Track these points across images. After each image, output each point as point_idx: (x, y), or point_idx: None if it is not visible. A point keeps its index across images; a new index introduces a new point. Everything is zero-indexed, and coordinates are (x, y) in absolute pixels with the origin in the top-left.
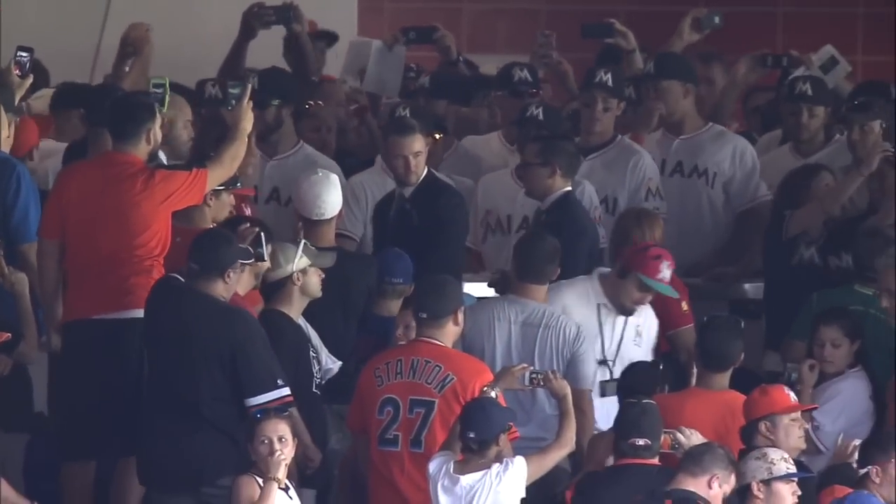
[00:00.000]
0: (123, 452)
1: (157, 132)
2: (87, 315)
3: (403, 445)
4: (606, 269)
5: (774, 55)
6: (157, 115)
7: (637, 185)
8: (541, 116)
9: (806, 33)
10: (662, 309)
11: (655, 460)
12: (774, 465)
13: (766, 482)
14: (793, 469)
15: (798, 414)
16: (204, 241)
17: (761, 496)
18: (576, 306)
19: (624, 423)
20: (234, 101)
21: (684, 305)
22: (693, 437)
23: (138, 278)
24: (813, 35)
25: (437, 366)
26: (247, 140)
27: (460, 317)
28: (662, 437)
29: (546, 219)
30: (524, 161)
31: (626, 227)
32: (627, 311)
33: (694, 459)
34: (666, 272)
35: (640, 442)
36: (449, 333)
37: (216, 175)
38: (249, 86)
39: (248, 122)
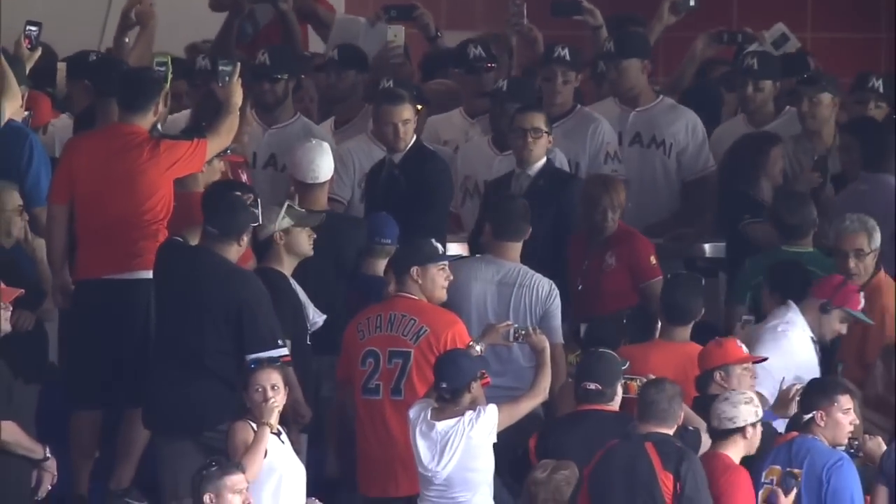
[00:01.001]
0: (129, 403)
1: (160, 105)
2: (97, 275)
3: (385, 394)
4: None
5: (730, 32)
6: (161, 85)
7: (597, 149)
8: (504, 88)
9: (759, 12)
10: (633, 263)
11: (612, 406)
12: (759, 408)
13: (754, 424)
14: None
15: (749, 364)
16: (222, 207)
17: (750, 436)
18: (803, 338)
19: (580, 369)
20: (226, 78)
21: (653, 259)
22: None
23: (146, 242)
24: (766, 14)
25: (413, 319)
26: (238, 112)
27: (415, 272)
28: (629, 383)
29: (542, 184)
30: (532, 128)
31: (594, 193)
32: (826, 344)
33: (664, 410)
34: (863, 301)
35: (591, 386)
36: (414, 288)
37: (214, 145)
38: (239, 63)
39: (238, 96)
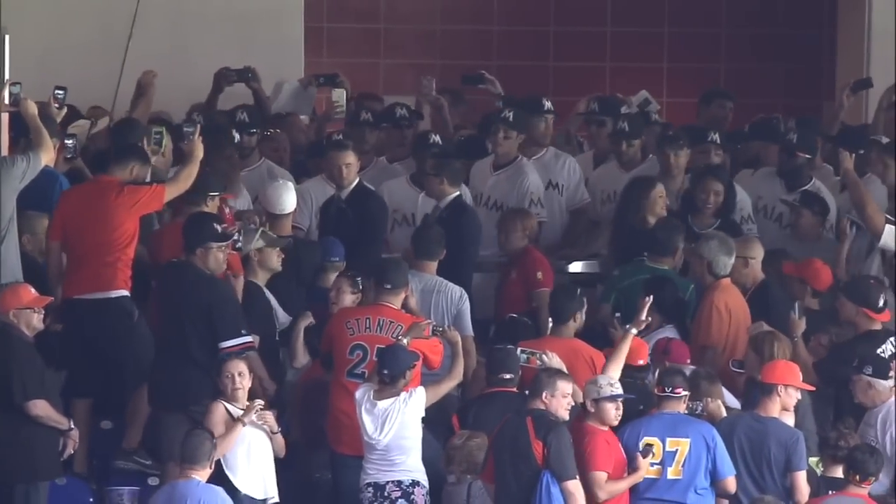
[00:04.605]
0: (109, 390)
1: (141, 170)
2: (78, 294)
3: (368, 378)
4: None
5: (604, 96)
6: (146, 158)
7: (521, 196)
8: (431, 140)
9: (627, 81)
10: (526, 276)
11: (515, 388)
12: (602, 388)
13: (596, 401)
14: (617, 392)
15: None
16: (187, 223)
17: (592, 410)
18: None
19: (494, 362)
20: (190, 137)
21: (539, 275)
22: (553, 360)
23: (112, 267)
24: (631, 82)
25: (399, 325)
26: (198, 163)
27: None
28: (531, 358)
29: (444, 214)
30: (425, 172)
31: (504, 221)
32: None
33: (541, 387)
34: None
35: (507, 376)
36: (400, 299)
37: (172, 189)
38: (199, 125)
39: (199, 151)
